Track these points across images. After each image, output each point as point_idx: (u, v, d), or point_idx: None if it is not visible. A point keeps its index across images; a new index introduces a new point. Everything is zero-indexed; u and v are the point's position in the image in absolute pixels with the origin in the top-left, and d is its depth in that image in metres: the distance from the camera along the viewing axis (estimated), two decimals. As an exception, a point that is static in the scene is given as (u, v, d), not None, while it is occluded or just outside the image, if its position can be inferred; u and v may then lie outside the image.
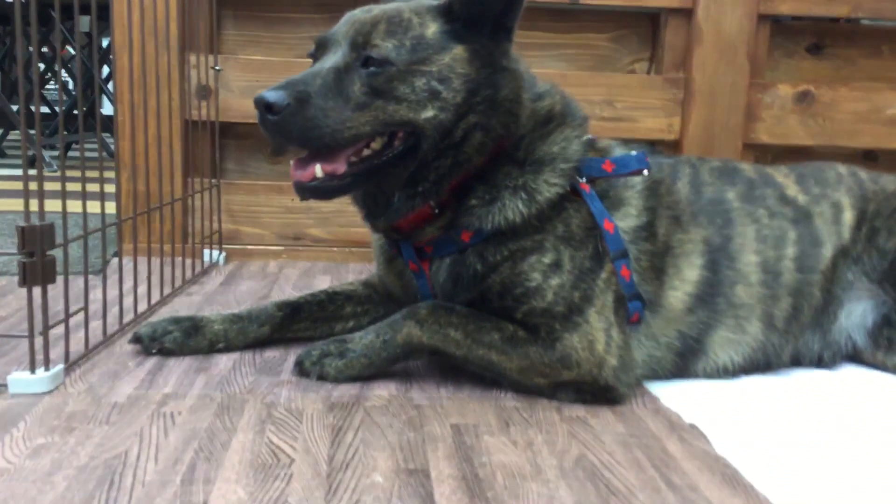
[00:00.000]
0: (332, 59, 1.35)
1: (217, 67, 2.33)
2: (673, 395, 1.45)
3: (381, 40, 1.32)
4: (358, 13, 1.40)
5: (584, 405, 1.39)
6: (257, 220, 2.46)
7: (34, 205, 1.30)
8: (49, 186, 1.34)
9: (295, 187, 1.35)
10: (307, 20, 2.46)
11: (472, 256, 1.42)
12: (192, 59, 2.30)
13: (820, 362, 1.63)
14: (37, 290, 1.33)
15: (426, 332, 1.39)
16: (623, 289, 1.43)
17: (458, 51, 1.35)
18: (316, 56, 1.41)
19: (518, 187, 1.39)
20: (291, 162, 1.37)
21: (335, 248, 2.48)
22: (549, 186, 1.40)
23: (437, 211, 1.41)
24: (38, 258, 1.30)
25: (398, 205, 1.40)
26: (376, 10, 1.39)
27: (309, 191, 1.35)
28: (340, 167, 1.34)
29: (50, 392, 1.34)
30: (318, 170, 1.33)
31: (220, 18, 2.42)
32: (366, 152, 1.36)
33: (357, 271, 2.36)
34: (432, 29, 1.36)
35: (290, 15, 2.45)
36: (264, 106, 1.27)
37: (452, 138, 1.35)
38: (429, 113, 1.33)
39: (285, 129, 1.28)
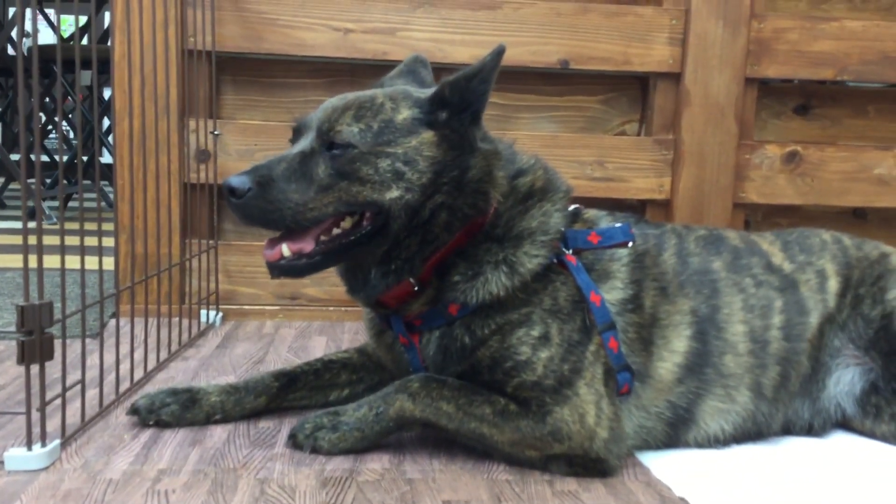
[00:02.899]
0: (301, 144, 1.41)
1: (216, 132, 2.37)
2: (664, 465, 1.47)
3: (346, 125, 1.38)
4: (334, 100, 1.46)
5: (576, 478, 1.40)
6: (254, 281, 2.49)
7: (32, 260, 1.32)
8: (48, 240, 1.36)
9: (266, 266, 1.40)
10: (304, 85, 2.52)
11: (459, 329, 1.44)
12: (192, 123, 2.35)
13: (810, 430, 1.65)
14: (34, 366, 1.35)
15: (418, 405, 1.41)
16: (612, 360, 1.45)
17: (427, 135, 1.40)
18: (293, 141, 1.47)
19: (499, 262, 1.42)
20: (265, 242, 1.43)
21: (331, 308, 2.50)
22: (529, 258, 1.43)
23: (416, 288, 1.43)
24: (36, 337, 1.32)
25: (374, 281, 1.44)
26: (351, 96, 1.45)
27: (278, 269, 1.40)
28: (307, 246, 1.39)
29: (46, 468, 1.35)
30: (284, 249, 1.38)
31: (219, 83, 2.47)
32: (336, 231, 1.41)
33: (353, 331, 2.38)
34: (404, 115, 1.41)
35: (287, 80, 2.51)
36: (228, 190, 1.34)
37: (420, 217, 1.39)
38: (394, 193, 1.37)
39: (247, 212, 1.35)
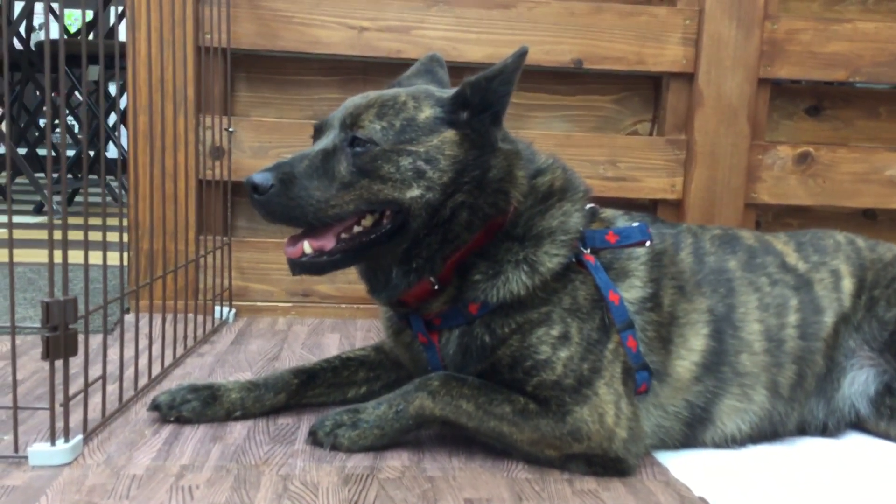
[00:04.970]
0: (323, 142, 1.42)
1: (230, 129, 2.38)
2: (682, 465, 1.48)
3: (368, 122, 1.39)
4: (357, 98, 1.47)
5: (595, 477, 1.41)
6: (267, 277, 2.50)
7: (44, 255, 1.32)
8: (59, 235, 1.36)
9: (288, 263, 1.41)
10: (318, 82, 2.52)
11: (479, 328, 1.45)
12: (207, 120, 2.36)
13: (825, 430, 1.66)
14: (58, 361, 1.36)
15: (438, 403, 1.42)
16: (630, 360, 1.46)
17: (449, 134, 1.40)
18: (315, 140, 1.47)
19: (520, 261, 1.43)
20: (286, 239, 1.43)
21: (343, 305, 2.51)
22: (550, 258, 1.44)
23: (436, 287, 1.44)
24: (61, 333, 1.33)
25: (396, 280, 1.45)
26: (373, 94, 1.46)
27: (299, 266, 1.41)
28: (328, 244, 1.40)
29: (69, 464, 1.36)
30: (306, 246, 1.39)
31: (234, 80, 2.48)
32: (356, 229, 1.42)
33: (365, 328, 2.39)
34: (426, 113, 1.41)
35: (301, 77, 2.52)
36: (251, 187, 1.35)
37: (441, 216, 1.40)
38: (414, 192, 1.38)
39: (270, 209, 1.36)
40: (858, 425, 1.69)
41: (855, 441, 1.65)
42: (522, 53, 1.37)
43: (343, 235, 1.42)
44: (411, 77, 1.68)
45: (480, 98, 1.40)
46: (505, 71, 1.38)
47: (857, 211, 2.71)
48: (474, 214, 1.41)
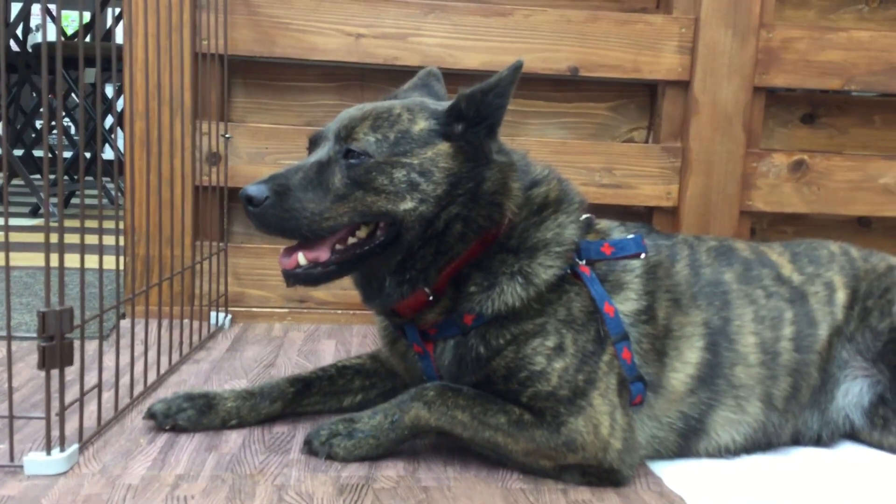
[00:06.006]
0: (318, 154, 1.43)
1: (227, 135, 2.38)
2: (675, 475, 1.48)
3: (363, 134, 1.39)
4: (352, 110, 1.47)
5: (590, 487, 1.42)
6: (263, 283, 2.50)
7: (41, 258, 1.32)
8: (55, 238, 1.35)
9: (282, 274, 1.42)
10: (314, 88, 2.52)
11: (475, 339, 1.46)
12: (203, 126, 2.36)
13: (819, 441, 1.66)
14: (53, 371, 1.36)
15: (434, 413, 1.42)
16: (625, 371, 1.46)
17: (444, 147, 1.41)
18: (310, 151, 1.48)
19: (515, 272, 1.44)
20: (281, 250, 1.44)
21: (339, 311, 2.51)
22: (545, 269, 1.45)
23: (431, 297, 1.45)
24: (57, 343, 1.34)
25: (389, 290, 1.45)
26: (368, 106, 1.46)
27: (293, 277, 1.41)
28: (323, 255, 1.40)
29: (65, 473, 1.36)
30: (300, 258, 1.40)
31: (230, 86, 2.48)
32: (351, 240, 1.43)
33: (361, 334, 2.40)
34: (420, 125, 1.42)
35: (298, 83, 2.52)
36: (245, 199, 1.36)
37: (434, 228, 1.40)
38: (408, 204, 1.38)
39: (265, 221, 1.37)
40: (852, 436, 1.69)
41: (849, 451, 1.66)
42: (518, 67, 1.37)
43: (338, 247, 1.42)
44: (408, 91, 1.68)
45: (475, 111, 1.40)
46: (500, 84, 1.38)
47: (851, 219, 2.72)
48: (468, 227, 1.42)
